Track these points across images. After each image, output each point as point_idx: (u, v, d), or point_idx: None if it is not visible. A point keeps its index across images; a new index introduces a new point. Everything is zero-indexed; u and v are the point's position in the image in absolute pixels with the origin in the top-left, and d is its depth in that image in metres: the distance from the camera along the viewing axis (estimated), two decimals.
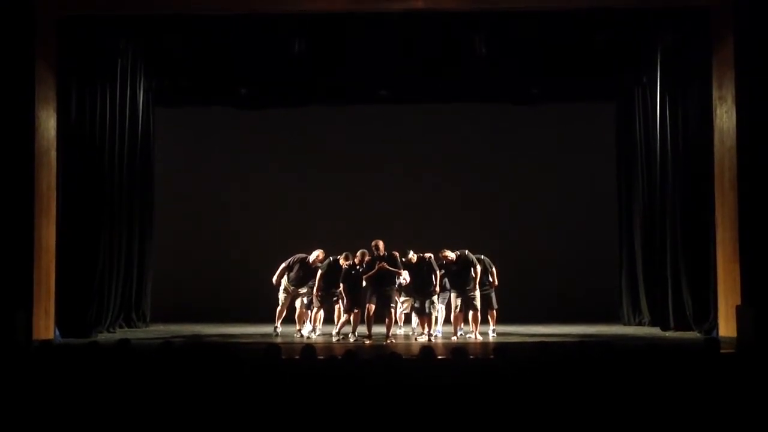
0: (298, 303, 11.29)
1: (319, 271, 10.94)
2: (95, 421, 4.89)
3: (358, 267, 10.76)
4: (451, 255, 10.93)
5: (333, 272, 10.90)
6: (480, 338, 10.80)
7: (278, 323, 11.32)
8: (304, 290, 11.22)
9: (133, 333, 11.69)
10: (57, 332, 10.54)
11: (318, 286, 10.91)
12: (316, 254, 11.16)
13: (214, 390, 5.14)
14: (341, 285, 10.77)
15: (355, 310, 10.71)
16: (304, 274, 11.18)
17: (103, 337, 10.95)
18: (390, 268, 10.67)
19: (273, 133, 14.33)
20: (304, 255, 11.24)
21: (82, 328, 10.88)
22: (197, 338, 10.85)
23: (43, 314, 10.25)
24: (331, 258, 11.02)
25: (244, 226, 14.19)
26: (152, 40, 12.02)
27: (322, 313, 11.22)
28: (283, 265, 11.24)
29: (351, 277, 10.76)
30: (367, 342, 10.38)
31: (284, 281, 11.27)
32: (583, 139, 14.19)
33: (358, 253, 10.81)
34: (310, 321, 11.22)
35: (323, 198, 14.31)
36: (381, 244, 10.77)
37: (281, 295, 11.29)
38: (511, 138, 14.37)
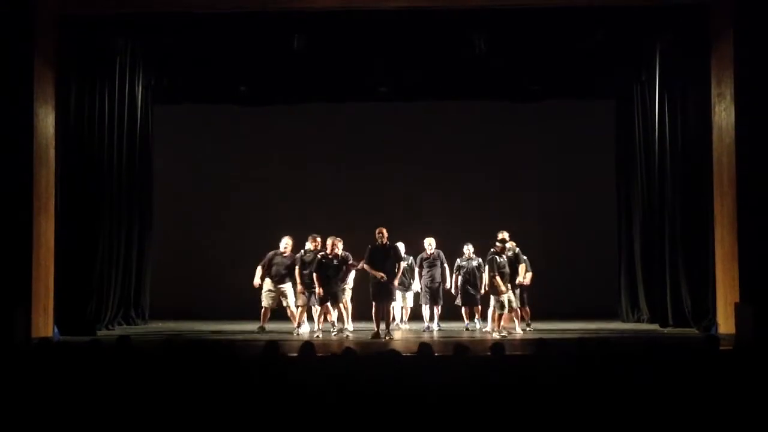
0: (284, 302, 11.37)
1: (296, 268, 11.01)
2: (95, 418, 4.89)
3: (330, 256, 10.76)
4: (506, 240, 11.07)
5: (306, 263, 11.00)
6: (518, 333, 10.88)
7: (264, 323, 11.41)
8: (287, 285, 11.32)
9: (132, 330, 11.70)
10: (56, 330, 10.53)
11: (300, 281, 10.96)
12: (286, 242, 11.33)
13: (213, 387, 5.15)
14: (314, 275, 10.76)
15: (329, 302, 10.79)
16: (279, 268, 11.31)
17: (102, 334, 10.94)
18: (370, 270, 10.69)
19: (272, 130, 14.32)
20: (275, 250, 11.39)
21: (81, 325, 10.88)
22: (196, 336, 10.86)
23: (42, 312, 10.25)
24: (302, 251, 11.09)
25: (243, 223, 14.18)
26: (151, 38, 12.00)
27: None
28: (260, 267, 11.39)
29: (323, 266, 10.76)
30: (371, 338, 10.37)
31: (268, 283, 11.36)
32: (583, 137, 14.19)
33: (329, 241, 10.84)
34: (304, 319, 11.24)
35: (323, 194, 14.30)
36: (385, 231, 10.76)
37: (264, 296, 11.39)
38: (510, 135, 14.37)
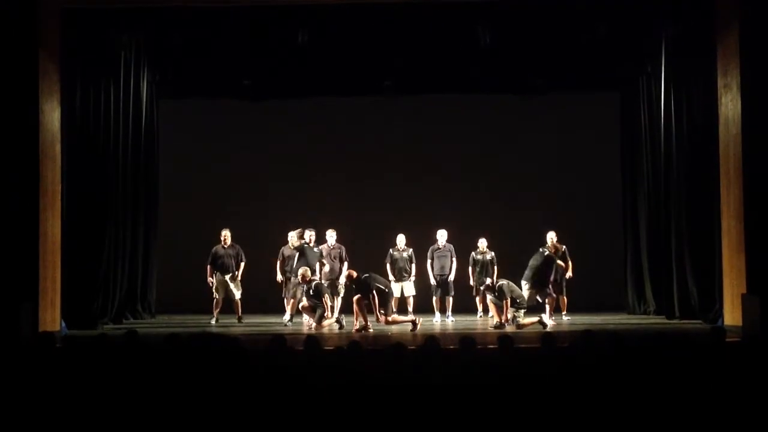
0: (231, 293, 11.88)
1: (278, 262, 11.79)
2: (102, 412, 4.90)
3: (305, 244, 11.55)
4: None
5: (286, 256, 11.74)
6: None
7: (216, 314, 11.84)
8: (230, 275, 11.85)
9: (139, 324, 11.74)
10: (63, 324, 10.57)
11: (282, 274, 11.77)
12: (224, 235, 11.90)
13: (219, 380, 5.16)
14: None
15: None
16: (225, 260, 11.84)
17: (109, 328, 10.98)
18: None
19: (276, 124, 14.31)
20: (216, 245, 11.94)
21: (88, 320, 10.93)
22: (202, 329, 10.89)
23: (49, 306, 10.28)
24: (285, 249, 11.78)
25: (248, 217, 14.16)
26: (155, 32, 12.00)
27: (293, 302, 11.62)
28: (208, 264, 11.87)
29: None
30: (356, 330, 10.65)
31: (216, 276, 11.87)
32: (588, 129, 14.14)
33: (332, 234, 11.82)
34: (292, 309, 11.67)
35: (327, 188, 14.28)
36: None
37: (214, 288, 11.87)
38: (516, 128, 14.33)
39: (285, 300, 11.78)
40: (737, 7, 10.25)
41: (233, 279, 11.91)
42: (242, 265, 11.95)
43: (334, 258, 11.78)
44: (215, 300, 11.90)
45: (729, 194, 10.55)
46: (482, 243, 12.12)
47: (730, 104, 10.49)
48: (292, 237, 11.69)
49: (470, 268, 12.13)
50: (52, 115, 10.57)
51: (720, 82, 10.74)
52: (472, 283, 12.17)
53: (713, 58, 10.85)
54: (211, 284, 11.87)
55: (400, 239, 12.05)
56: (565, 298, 12.00)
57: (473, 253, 12.16)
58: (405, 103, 13.98)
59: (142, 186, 12.65)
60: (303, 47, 11.75)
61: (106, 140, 11.75)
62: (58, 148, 10.73)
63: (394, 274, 11.91)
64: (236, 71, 12.85)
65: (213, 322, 11.76)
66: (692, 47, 11.45)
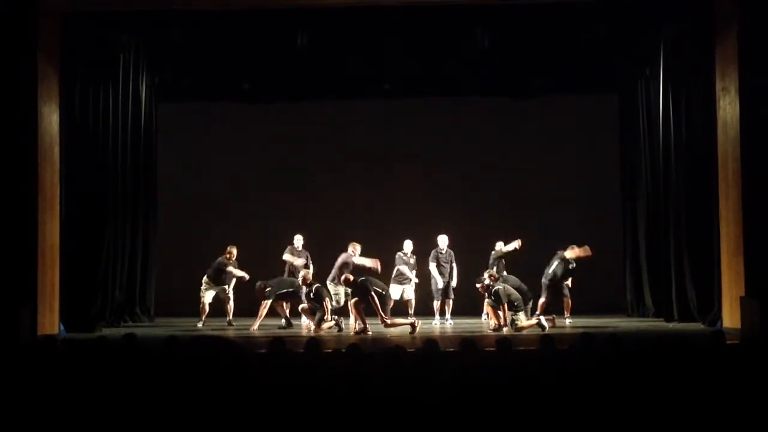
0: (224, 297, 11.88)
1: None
2: (100, 415, 4.90)
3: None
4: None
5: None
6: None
7: (203, 318, 11.79)
8: (222, 287, 11.85)
9: (138, 327, 11.72)
10: (62, 327, 10.55)
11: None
12: (232, 252, 11.87)
13: (219, 383, 5.16)
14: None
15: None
16: (225, 277, 11.86)
17: (108, 331, 10.96)
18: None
19: (275, 127, 14.31)
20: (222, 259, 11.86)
21: (86, 323, 10.91)
22: (201, 332, 10.89)
23: (47, 310, 10.27)
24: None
25: (247, 221, 14.17)
26: (155, 35, 12.01)
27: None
28: (208, 275, 11.90)
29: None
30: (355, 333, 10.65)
31: (204, 280, 11.86)
32: (586, 132, 14.15)
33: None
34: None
35: (325, 191, 14.28)
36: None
37: (203, 294, 11.81)
38: (514, 131, 14.33)
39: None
40: (737, 8, 10.26)
41: (224, 291, 11.90)
42: (233, 280, 11.97)
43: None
44: (202, 305, 11.76)
45: (728, 197, 10.56)
46: (499, 246, 12.07)
47: (728, 107, 10.49)
48: (298, 240, 11.87)
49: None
50: (50, 118, 10.56)
51: (718, 86, 10.74)
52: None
53: (712, 59, 10.85)
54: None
55: (407, 245, 12.03)
56: (569, 300, 11.93)
57: (492, 255, 12.11)
58: (404, 106, 13.99)
59: (141, 189, 12.64)
60: (302, 50, 11.76)
61: (105, 143, 11.75)
62: (56, 150, 10.72)
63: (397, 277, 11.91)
64: (235, 74, 12.86)
65: (200, 325, 11.62)
66: (691, 48, 11.46)
